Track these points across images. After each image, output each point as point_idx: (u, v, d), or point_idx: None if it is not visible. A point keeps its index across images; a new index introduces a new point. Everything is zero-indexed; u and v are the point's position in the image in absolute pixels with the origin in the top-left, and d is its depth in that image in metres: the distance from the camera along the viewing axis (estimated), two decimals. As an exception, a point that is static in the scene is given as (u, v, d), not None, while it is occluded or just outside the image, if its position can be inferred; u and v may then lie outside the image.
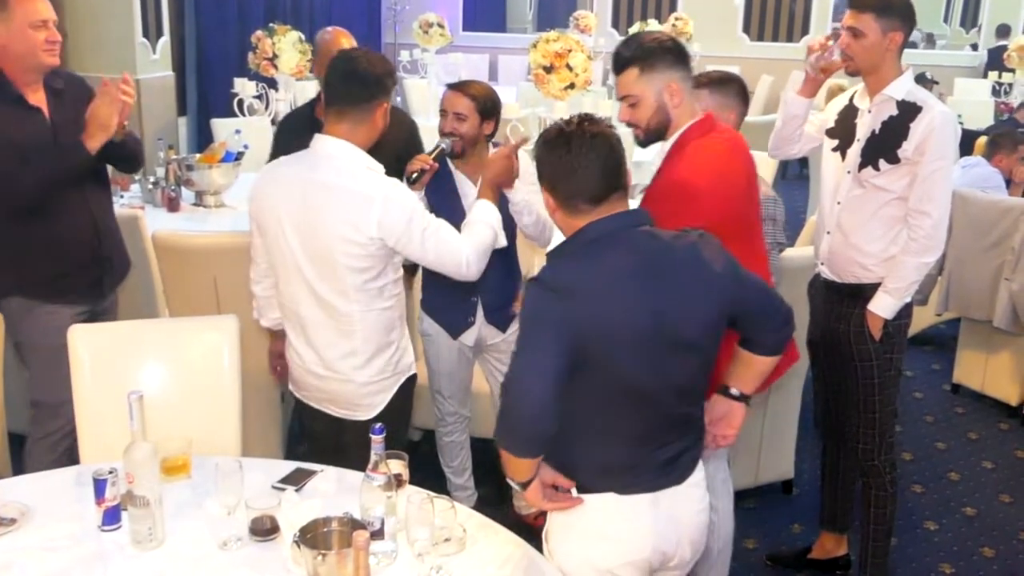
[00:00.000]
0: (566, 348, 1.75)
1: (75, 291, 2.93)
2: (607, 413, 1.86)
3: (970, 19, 13.07)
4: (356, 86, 2.40)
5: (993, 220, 4.30)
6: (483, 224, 2.50)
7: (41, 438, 2.95)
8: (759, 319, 2.02)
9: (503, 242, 2.59)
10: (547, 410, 1.75)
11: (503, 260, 3.16)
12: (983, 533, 3.55)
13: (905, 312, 2.84)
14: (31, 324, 2.88)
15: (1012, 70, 8.48)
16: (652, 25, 7.36)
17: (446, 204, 2.99)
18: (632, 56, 2.31)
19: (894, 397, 2.93)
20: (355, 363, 2.47)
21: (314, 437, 2.72)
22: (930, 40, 13.28)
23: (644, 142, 2.41)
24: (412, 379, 2.61)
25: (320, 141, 2.42)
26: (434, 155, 2.88)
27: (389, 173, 2.47)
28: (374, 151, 2.47)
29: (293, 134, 3.16)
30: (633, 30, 7.40)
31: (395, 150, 2.89)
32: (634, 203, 2.06)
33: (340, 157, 2.39)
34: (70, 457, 2.77)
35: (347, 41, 3.37)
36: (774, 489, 3.75)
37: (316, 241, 2.38)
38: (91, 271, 2.98)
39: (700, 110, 2.41)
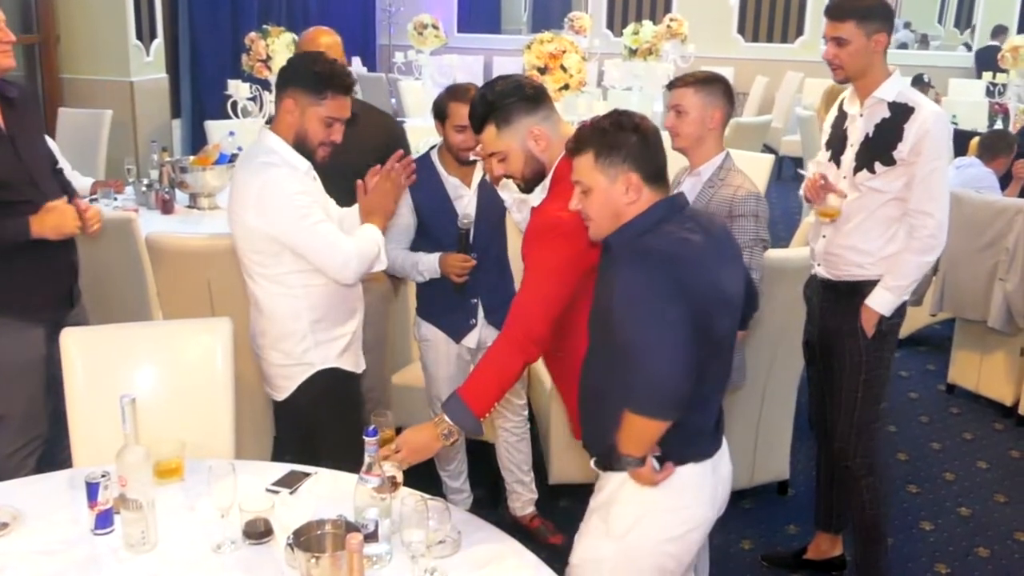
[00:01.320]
0: (688, 310, 1.84)
1: (48, 305, 2.80)
2: (696, 377, 1.89)
3: (964, 20, 13.08)
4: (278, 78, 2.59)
5: (987, 220, 4.31)
6: (370, 238, 2.55)
7: (11, 453, 2.81)
8: (745, 296, 2.19)
9: (384, 263, 2.62)
10: (689, 370, 1.83)
11: (497, 261, 3.17)
12: (978, 533, 3.56)
13: (898, 312, 2.84)
14: (1, 341, 2.74)
15: (1006, 70, 8.47)
16: (647, 27, 7.34)
17: (435, 205, 2.99)
18: (486, 114, 2.26)
19: (880, 398, 2.92)
20: (264, 342, 2.60)
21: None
22: (924, 41, 13.28)
23: (526, 189, 2.36)
24: (328, 374, 2.60)
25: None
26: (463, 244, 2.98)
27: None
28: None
29: None
30: (628, 31, 7.38)
31: (375, 152, 2.81)
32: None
33: (260, 145, 2.52)
34: (40, 468, 2.70)
35: (327, 38, 3.30)
36: (769, 490, 3.75)
37: (230, 225, 2.56)
38: (62, 279, 2.87)
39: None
